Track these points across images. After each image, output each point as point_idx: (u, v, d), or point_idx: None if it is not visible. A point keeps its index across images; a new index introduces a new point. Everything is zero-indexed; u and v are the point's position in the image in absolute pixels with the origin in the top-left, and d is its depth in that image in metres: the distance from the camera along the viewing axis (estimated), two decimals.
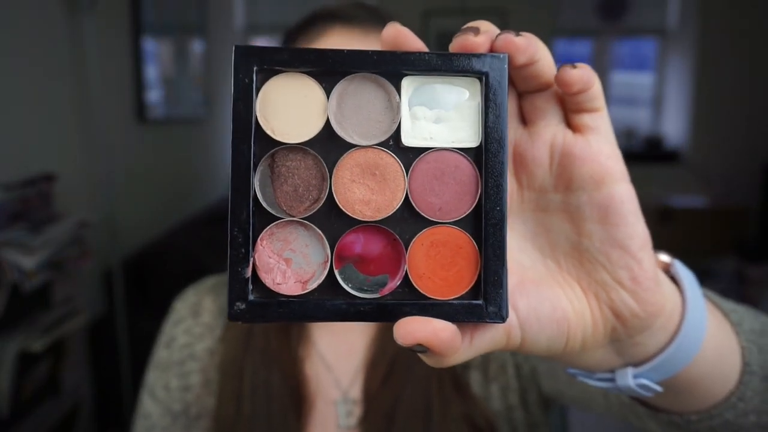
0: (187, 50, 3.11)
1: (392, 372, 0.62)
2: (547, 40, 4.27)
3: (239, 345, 0.64)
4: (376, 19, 0.58)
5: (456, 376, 0.62)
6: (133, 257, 2.29)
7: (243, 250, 0.31)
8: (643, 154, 4.32)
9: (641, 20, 4.35)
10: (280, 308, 0.31)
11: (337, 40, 0.57)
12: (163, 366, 0.69)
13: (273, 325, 0.63)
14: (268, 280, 0.31)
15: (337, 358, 0.66)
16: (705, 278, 3.70)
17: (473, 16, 0.60)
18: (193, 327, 0.69)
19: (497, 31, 0.31)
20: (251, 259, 0.31)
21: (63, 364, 1.77)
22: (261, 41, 4.55)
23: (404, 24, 0.48)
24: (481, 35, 0.30)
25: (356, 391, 0.64)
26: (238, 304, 0.31)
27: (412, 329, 0.28)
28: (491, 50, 0.31)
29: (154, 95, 2.64)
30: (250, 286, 0.31)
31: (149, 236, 2.57)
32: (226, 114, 3.91)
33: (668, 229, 3.89)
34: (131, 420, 2.29)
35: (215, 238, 2.59)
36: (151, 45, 2.60)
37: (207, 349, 0.67)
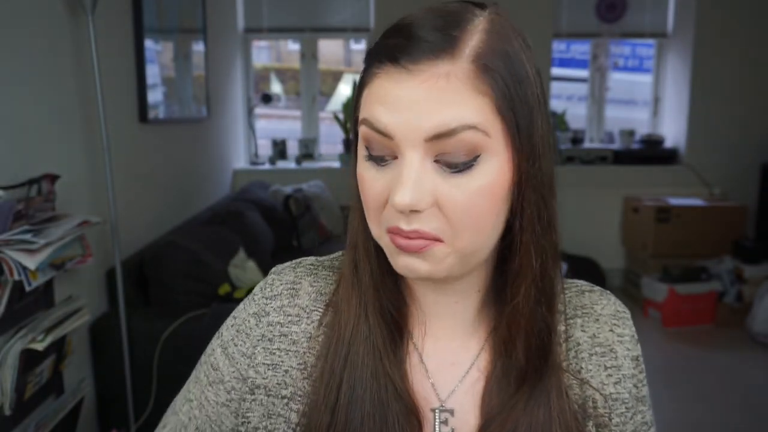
0: (188, 51, 3.12)
1: (511, 396, 0.61)
2: (547, 42, 4.28)
3: (341, 346, 0.63)
4: (428, 49, 0.53)
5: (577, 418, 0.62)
6: (135, 257, 2.30)
7: None
8: (642, 154, 4.34)
9: (640, 22, 4.36)
10: None
11: (381, 84, 0.54)
12: (246, 332, 0.67)
13: (380, 324, 0.63)
14: None
15: (438, 366, 0.65)
16: (703, 278, 3.73)
17: (484, 28, 0.60)
18: (288, 307, 0.67)
19: None
20: None
21: (65, 362, 1.78)
22: (261, 43, 4.56)
23: None
24: None
25: (453, 401, 0.64)
26: None
27: None
28: None
29: (155, 96, 2.65)
30: None
31: (151, 236, 2.58)
32: (226, 114, 3.92)
33: (666, 229, 3.91)
34: (132, 418, 2.27)
35: (216, 237, 2.60)
36: (152, 46, 2.61)
37: (304, 331, 0.66)
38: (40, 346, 1.55)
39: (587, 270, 3.97)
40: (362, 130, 0.56)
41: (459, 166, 0.53)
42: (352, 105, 0.61)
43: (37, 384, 1.65)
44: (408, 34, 0.54)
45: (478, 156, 0.53)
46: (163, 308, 2.19)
